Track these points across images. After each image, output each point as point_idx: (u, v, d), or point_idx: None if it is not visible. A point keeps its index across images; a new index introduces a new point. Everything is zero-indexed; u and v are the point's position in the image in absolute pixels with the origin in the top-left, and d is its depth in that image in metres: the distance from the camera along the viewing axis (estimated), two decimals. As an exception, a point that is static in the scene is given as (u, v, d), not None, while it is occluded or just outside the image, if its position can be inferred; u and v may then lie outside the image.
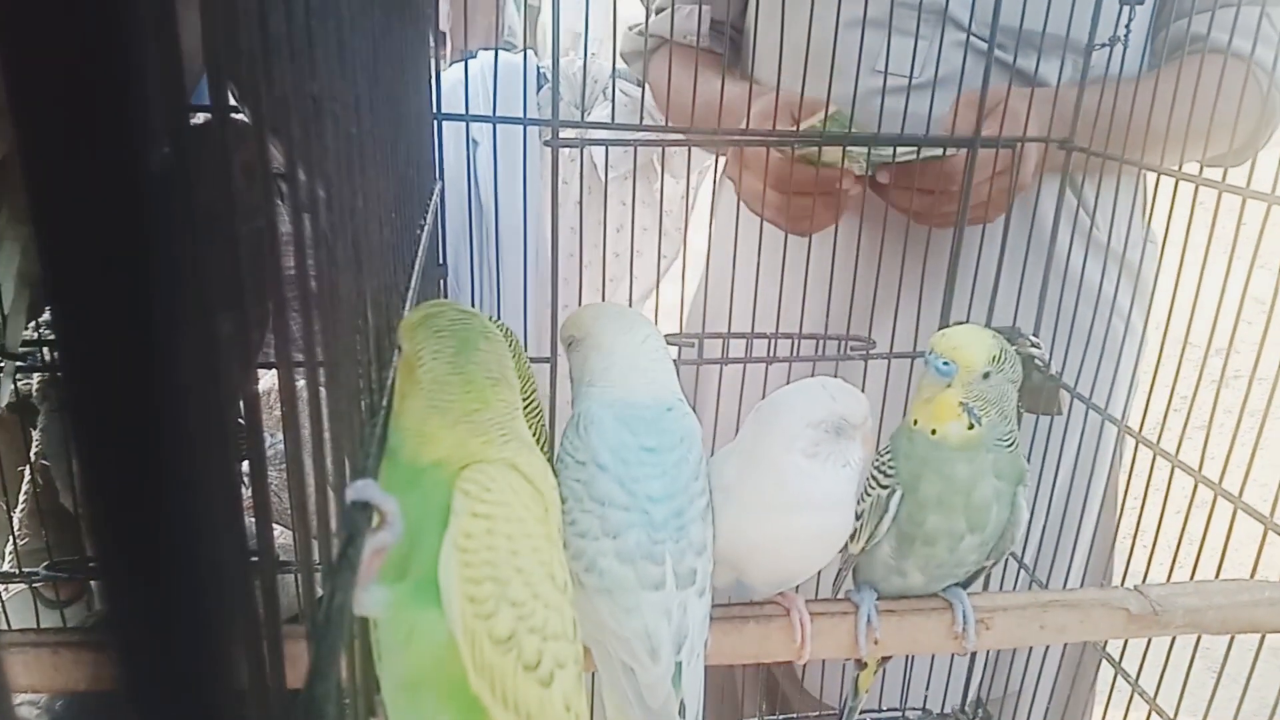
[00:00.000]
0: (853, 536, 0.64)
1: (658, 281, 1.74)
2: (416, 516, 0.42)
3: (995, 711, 0.99)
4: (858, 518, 0.64)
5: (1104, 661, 0.89)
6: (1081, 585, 0.93)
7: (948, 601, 0.64)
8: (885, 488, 0.63)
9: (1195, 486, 0.76)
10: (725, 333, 0.89)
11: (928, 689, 1.01)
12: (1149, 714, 0.83)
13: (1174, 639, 0.85)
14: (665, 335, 0.90)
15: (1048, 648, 0.95)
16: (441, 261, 0.83)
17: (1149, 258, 0.93)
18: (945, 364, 0.61)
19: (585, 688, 0.46)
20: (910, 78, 0.86)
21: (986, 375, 0.60)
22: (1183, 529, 0.78)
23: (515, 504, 0.43)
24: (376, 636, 0.42)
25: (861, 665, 0.75)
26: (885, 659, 0.76)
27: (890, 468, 0.63)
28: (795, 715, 1.00)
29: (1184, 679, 0.81)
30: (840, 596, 0.66)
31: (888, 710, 1.01)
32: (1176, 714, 0.83)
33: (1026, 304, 0.91)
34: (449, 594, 0.40)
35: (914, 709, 1.02)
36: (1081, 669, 0.91)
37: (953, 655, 1.01)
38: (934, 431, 0.62)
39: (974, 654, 1.00)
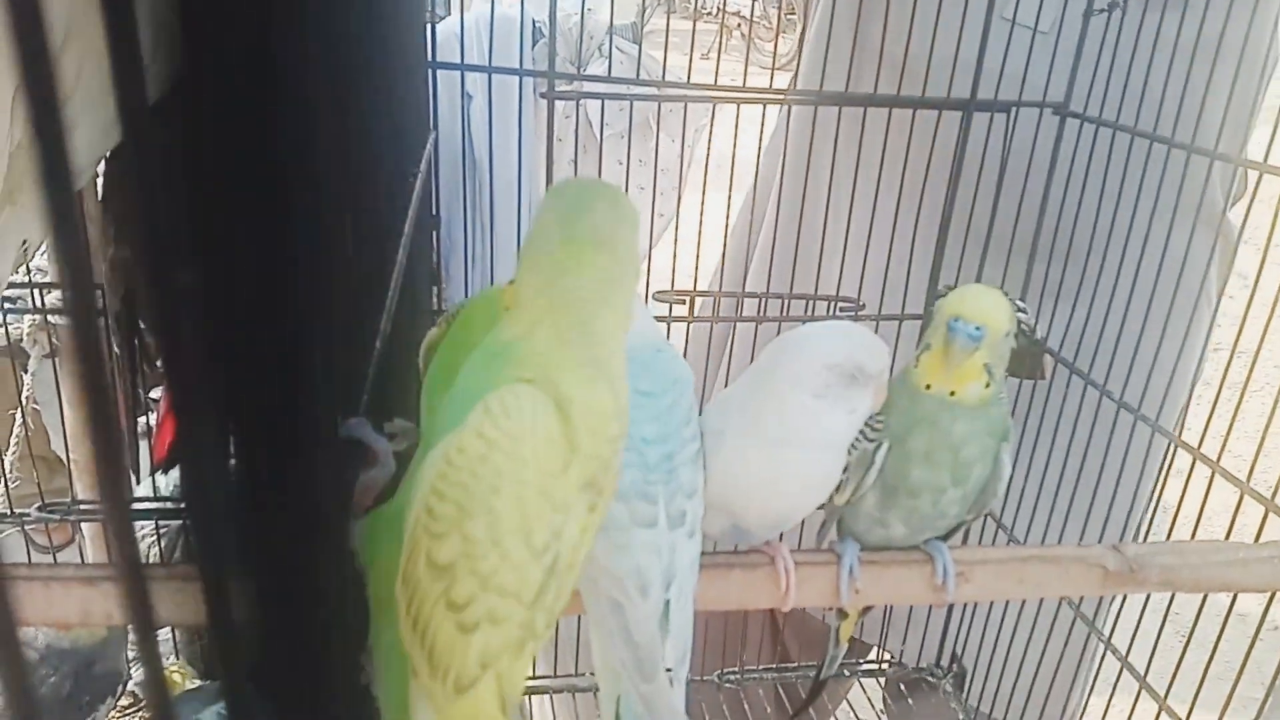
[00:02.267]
0: (838, 488, 0.65)
1: (651, 241, 1.74)
2: (464, 397, 0.40)
3: (970, 667, 1.02)
4: (845, 471, 0.65)
5: (1079, 622, 0.91)
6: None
7: (928, 554, 0.65)
8: (872, 441, 0.63)
9: (1172, 449, 0.77)
10: (717, 291, 0.90)
11: (904, 644, 1.04)
12: (1119, 671, 0.86)
13: (1146, 604, 0.87)
14: (656, 293, 0.91)
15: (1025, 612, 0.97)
16: (435, 213, 0.83)
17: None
18: (977, 329, 0.61)
19: (528, 660, 0.42)
20: (1035, 28, 0.84)
21: (1007, 334, 0.62)
22: (1159, 493, 0.80)
23: (526, 444, 0.39)
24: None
25: (843, 615, 0.77)
26: (865, 609, 0.77)
27: (879, 422, 0.63)
28: (796, 665, 1.03)
29: (1154, 643, 0.83)
30: (824, 547, 0.67)
31: (865, 662, 1.03)
32: (1146, 674, 0.85)
33: (1015, 268, 0.92)
34: (417, 493, 0.39)
35: (890, 663, 1.04)
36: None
37: (929, 612, 1.03)
38: (953, 393, 0.62)
39: (950, 612, 1.03)
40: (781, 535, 0.66)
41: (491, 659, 0.39)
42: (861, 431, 0.64)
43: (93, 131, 0.62)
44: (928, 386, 0.63)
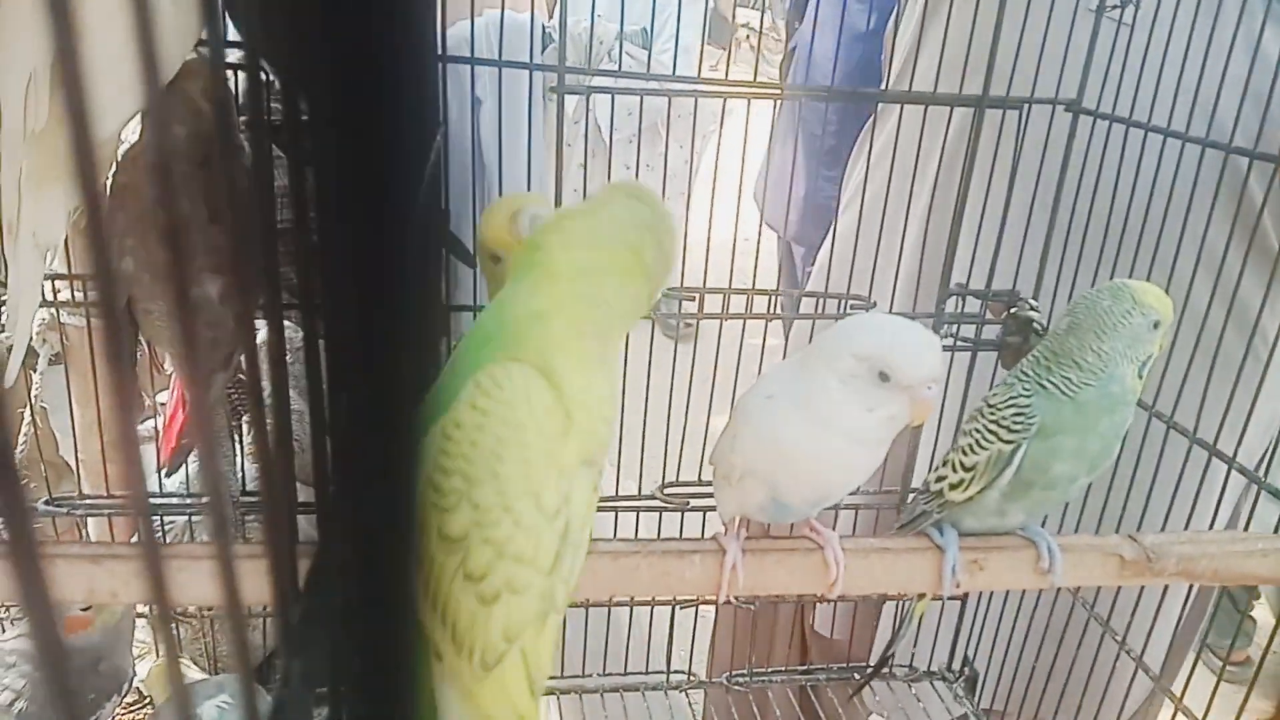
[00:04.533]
0: (957, 486, 0.64)
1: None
2: (455, 376, 0.40)
3: (981, 671, 1.00)
4: (967, 470, 0.64)
5: (1092, 623, 0.90)
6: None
7: (1028, 539, 0.64)
8: (1009, 443, 0.62)
9: (1189, 448, 0.76)
10: (726, 288, 0.89)
11: (915, 647, 1.03)
12: (1135, 672, 0.84)
13: (1160, 604, 0.85)
14: (665, 289, 0.91)
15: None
16: (445, 206, 0.83)
17: None
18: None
19: (556, 635, 0.42)
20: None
21: None
22: (1175, 488, 0.79)
23: (522, 411, 0.39)
24: None
25: (920, 595, 0.76)
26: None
27: (1017, 423, 0.62)
28: (817, 665, 1.02)
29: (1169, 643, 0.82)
30: (919, 532, 0.66)
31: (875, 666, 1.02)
32: (1160, 675, 0.84)
33: (1027, 266, 0.91)
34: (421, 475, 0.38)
35: (901, 666, 1.03)
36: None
37: (940, 615, 1.02)
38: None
39: (961, 615, 1.02)
40: (835, 523, 0.65)
41: (515, 631, 0.39)
42: (993, 431, 0.63)
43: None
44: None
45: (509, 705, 0.39)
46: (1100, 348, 0.61)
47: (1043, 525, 0.65)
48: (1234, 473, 0.73)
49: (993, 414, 0.64)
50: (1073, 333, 0.64)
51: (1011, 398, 0.63)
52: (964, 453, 0.64)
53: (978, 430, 0.64)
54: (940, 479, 0.66)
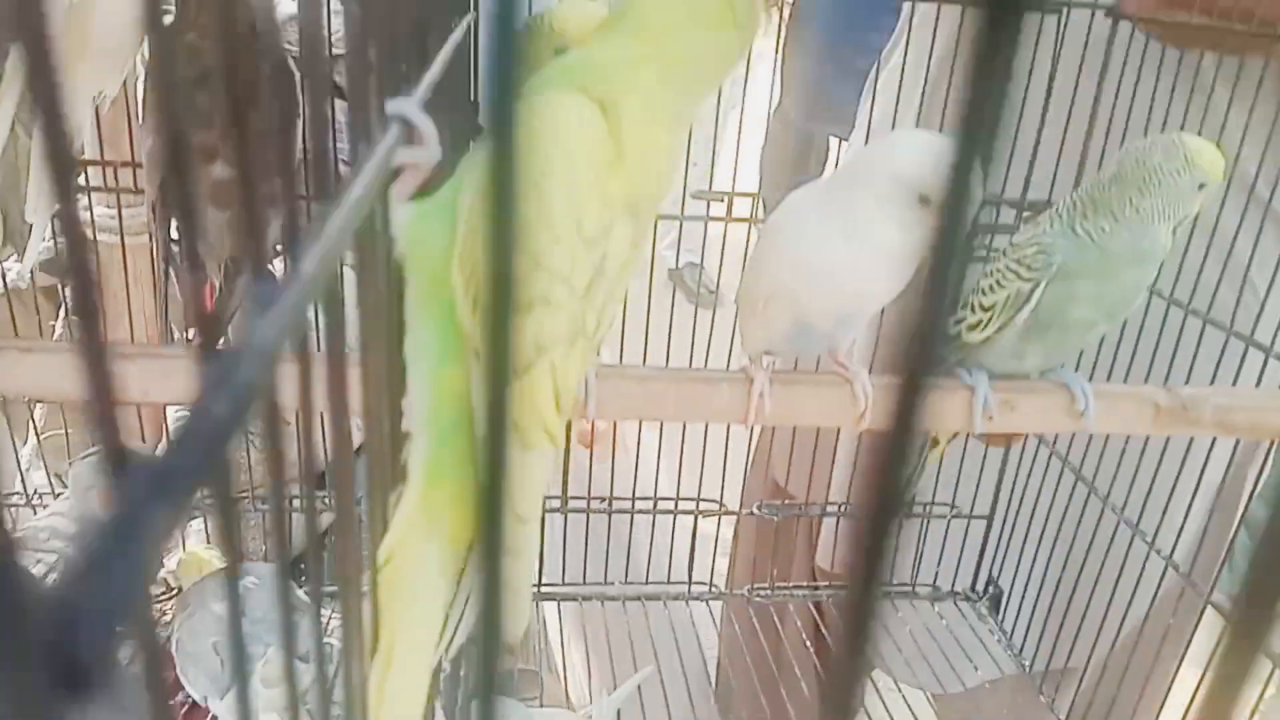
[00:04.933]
0: (975, 326, 0.64)
1: (685, 190, 1.73)
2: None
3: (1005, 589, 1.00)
4: (985, 309, 0.64)
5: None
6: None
7: (1062, 383, 0.63)
8: (1028, 281, 0.61)
9: (1226, 340, 0.75)
10: (756, 193, 0.89)
11: (939, 566, 1.02)
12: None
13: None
14: (694, 192, 0.90)
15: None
16: (473, 100, 0.82)
17: None
18: None
19: (582, 366, 0.44)
20: None
21: None
22: (1212, 382, 0.78)
23: (573, 136, 0.40)
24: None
25: (934, 444, 0.76)
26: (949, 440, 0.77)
27: (1038, 261, 0.62)
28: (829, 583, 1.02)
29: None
30: (945, 373, 0.65)
31: (898, 585, 1.01)
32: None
33: (1064, 177, 0.90)
34: (471, 184, 0.39)
35: (924, 585, 1.02)
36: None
37: (965, 536, 1.01)
38: None
39: (986, 537, 1.01)
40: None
41: (546, 343, 0.40)
42: (1012, 270, 0.62)
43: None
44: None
45: (536, 415, 0.41)
46: (1140, 203, 0.60)
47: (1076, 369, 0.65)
48: (1271, 363, 0.72)
49: (1016, 253, 0.63)
50: (1115, 184, 0.62)
51: (1035, 235, 0.63)
52: (983, 293, 0.64)
53: (998, 270, 0.63)
54: (958, 321, 0.65)
